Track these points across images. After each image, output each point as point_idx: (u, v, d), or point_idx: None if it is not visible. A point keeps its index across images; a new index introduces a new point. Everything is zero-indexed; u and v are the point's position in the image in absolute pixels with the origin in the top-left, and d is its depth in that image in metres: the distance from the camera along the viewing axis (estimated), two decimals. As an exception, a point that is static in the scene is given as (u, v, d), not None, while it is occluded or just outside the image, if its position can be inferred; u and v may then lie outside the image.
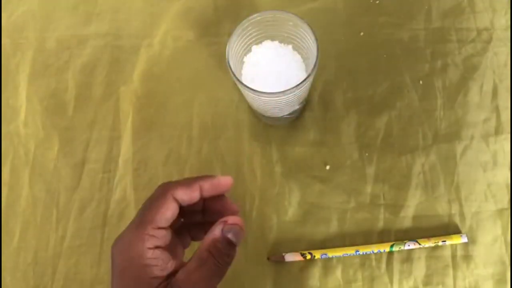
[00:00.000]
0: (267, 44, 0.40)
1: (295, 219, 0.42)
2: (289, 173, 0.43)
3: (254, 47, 0.40)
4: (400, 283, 0.40)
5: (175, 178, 0.44)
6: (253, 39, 0.39)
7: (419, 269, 0.40)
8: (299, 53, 0.40)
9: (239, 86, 0.36)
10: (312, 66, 0.35)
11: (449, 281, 0.40)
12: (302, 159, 0.43)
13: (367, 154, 0.43)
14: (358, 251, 0.40)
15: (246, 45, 0.39)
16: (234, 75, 0.35)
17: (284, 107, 0.39)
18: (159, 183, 0.43)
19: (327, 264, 0.41)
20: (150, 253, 0.29)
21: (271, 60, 0.39)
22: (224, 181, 0.32)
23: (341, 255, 0.40)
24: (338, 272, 0.41)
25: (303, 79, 0.35)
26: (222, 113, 0.45)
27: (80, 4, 0.49)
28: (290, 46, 0.40)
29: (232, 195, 0.42)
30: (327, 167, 0.43)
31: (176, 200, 0.30)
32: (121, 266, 0.29)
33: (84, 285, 0.42)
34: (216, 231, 0.30)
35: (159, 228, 0.29)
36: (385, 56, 0.46)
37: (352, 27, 0.47)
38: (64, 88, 0.47)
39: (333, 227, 0.42)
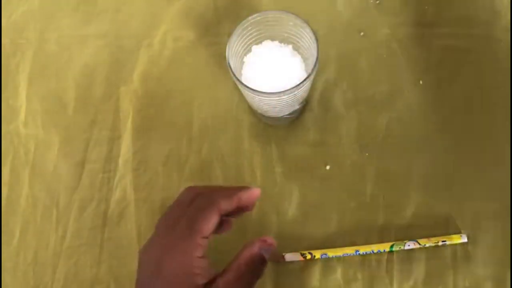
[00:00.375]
0: (267, 44, 0.40)
1: (295, 219, 0.42)
2: (289, 173, 0.43)
3: (254, 47, 0.39)
4: (400, 283, 0.40)
5: (175, 178, 0.44)
6: (253, 39, 0.39)
7: (419, 269, 0.40)
8: (299, 53, 0.40)
9: (239, 86, 0.36)
10: (312, 66, 0.35)
11: (449, 281, 0.40)
12: (302, 159, 0.43)
13: (367, 154, 0.43)
14: (358, 251, 0.40)
15: (246, 45, 0.39)
16: (234, 75, 0.35)
17: (284, 107, 0.39)
18: (159, 183, 0.44)
19: (327, 264, 0.41)
20: (198, 262, 0.30)
21: (271, 60, 0.39)
22: (257, 193, 0.33)
23: (341, 255, 0.40)
24: (338, 272, 0.41)
25: (303, 79, 0.35)
26: (222, 113, 0.45)
27: (80, 4, 0.49)
28: (290, 46, 0.40)
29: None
30: (327, 167, 0.43)
31: (219, 213, 0.32)
32: (171, 272, 0.30)
33: (84, 285, 0.42)
34: (255, 248, 0.31)
35: (205, 238, 0.31)
36: (385, 56, 0.46)
37: (352, 27, 0.47)
38: (64, 88, 0.47)
39: (333, 227, 0.42)
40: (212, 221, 0.31)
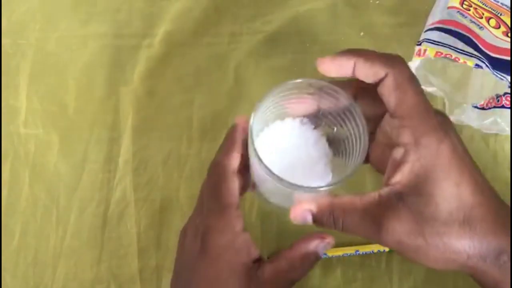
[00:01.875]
0: (289, 122, 0.32)
1: (295, 219, 0.42)
2: (289, 173, 0.43)
3: (276, 122, 0.32)
4: (400, 283, 0.40)
5: (175, 178, 0.44)
6: (280, 111, 0.31)
7: (419, 269, 0.40)
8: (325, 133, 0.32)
9: (260, 167, 0.27)
10: (356, 158, 0.29)
11: (449, 281, 0.40)
12: (302, 159, 0.43)
13: (367, 154, 0.43)
14: (358, 251, 0.40)
15: (272, 115, 0.32)
16: (262, 163, 0.27)
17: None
18: (159, 183, 0.43)
19: (327, 264, 0.41)
20: (241, 237, 0.29)
21: (293, 142, 0.32)
22: (242, 119, 0.31)
23: (341, 255, 0.40)
24: (338, 272, 0.41)
25: (326, 164, 0.30)
26: (222, 113, 0.45)
27: (80, 4, 0.49)
28: (304, 120, 0.32)
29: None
30: (327, 167, 0.43)
31: (233, 172, 0.30)
32: (213, 256, 0.29)
33: (84, 285, 0.42)
34: (312, 245, 0.30)
35: (238, 207, 0.30)
36: (385, 56, 0.46)
37: (352, 27, 0.47)
38: (64, 88, 0.47)
39: (333, 227, 0.42)
40: (231, 188, 0.30)
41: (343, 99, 0.29)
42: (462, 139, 0.42)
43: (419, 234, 0.26)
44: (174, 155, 0.44)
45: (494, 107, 0.41)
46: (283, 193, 0.30)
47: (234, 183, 0.30)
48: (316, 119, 0.32)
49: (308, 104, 0.31)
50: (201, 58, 0.47)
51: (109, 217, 0.43)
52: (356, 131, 0.29)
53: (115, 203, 0.43)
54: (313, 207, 0.28)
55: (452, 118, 0.37)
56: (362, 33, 0.46)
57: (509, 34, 0.45)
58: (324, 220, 0.28)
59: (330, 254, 0.40)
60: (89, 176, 0.44)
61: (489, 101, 0.41)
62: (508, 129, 0.42)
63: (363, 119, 0.28)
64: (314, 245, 0.30)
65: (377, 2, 0.48)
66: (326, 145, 0.32)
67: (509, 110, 0.41)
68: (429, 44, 0.38)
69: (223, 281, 0.29)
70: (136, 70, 0.47)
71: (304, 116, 0.32)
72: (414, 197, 0.26)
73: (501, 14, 0.41)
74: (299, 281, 0.30)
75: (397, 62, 0.28)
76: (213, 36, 0.47)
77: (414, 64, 0.39)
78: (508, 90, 0.41)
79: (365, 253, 0.40)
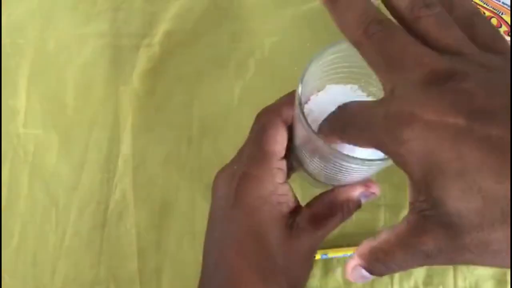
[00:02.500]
0: (339, 88, 0.29)
1: (295, 219, 0.42)
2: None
3: (328, 86, 0.29)
4: (400, 283, 0.40)
5: (175, 178, 0.43)
6: (331, 76, 0.29)
7: (419, 269, 0.40)
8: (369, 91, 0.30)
9: (316, 142, 0.25)
10: None
11: (449, 281, 0.40)
12: (302, 159, 0.43)
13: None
14: (358, 251, 0.40)
15: (320, 83, 0.29)
16: (311, 129, 0.24)
17: (357, 175, 0.29)
18: (159, 183, 0.43)
19: (327, 264, 0.41)
20: (281, 189, 0.28)
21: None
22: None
23: (341, 256, 0.40)
24: (338, 273, 0.41)
25: None
26: (222, 113, 0.45)
27: (80, 3, 0.49)
28: (354, 87, 0.30)
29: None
30: (328, 167, 0.43)
31: (284, 122, 0.28)
32: (251, 205, 0.27)
33: (84, 285, 0.42)
34: (355, 192, 0.29)
35: (282, 159, 0.28)
36: (385, 55, 0.46)
37: (352, 27, 0.47)
38: (63, 88, 0.47)
39: (333, 227, 0.42)
40: (278, 136, 0.28)
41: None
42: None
43: (458, 249, 0.21)
44: (174, 155, 0.44)
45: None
46: (331, 168, 0.27)
47: (283, 133, 0.28)
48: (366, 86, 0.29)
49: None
50: (201, 58, 0.47)
51: (109, 217, 0.43)
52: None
53: (114, 203, 0.43)
54: (359, 262, 0.25)
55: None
56: (362, 33, 0.46)
57: (510, 34, 0.45)
58: (376, 269, 0.24)
59: (330, 255, 0.40)
60: (88, 176, 0.44)
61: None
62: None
63: None
64: (358, 192, 0.29)
65: (377, 2, 0.47)
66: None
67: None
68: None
69: (263, 233, 0.27)
70: (136, 70, 0.47)
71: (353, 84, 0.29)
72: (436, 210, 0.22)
73: (502, 14, 0.41)
74: (336, 228, 0.29)
75: None
76: (213, 36, 0.47)
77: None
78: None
79: (366, 253, 0.40)
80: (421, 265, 0.23)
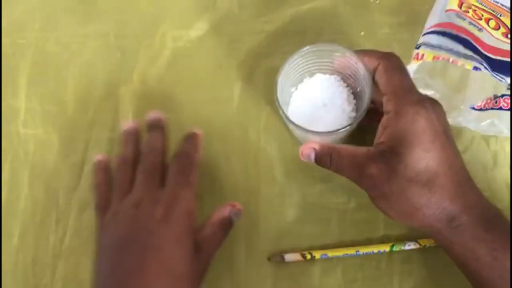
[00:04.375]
0: (319, 77, 0.41)
1: (295, 219, 0.42)
2: (289, 173, 0.43)
3: (306, 80, 0.41)
4: (400, 284, 0.40)
5: (175, 178, 0.43)
6: (305, 70, 0.40)
7: (420, 269, 0.40)
8: (347, 83, 0.41)
9: (287, 123, 0.37)
10: (364, 100, 0.37)
11: (450, 281, 0.40)
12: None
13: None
14: (358, 251, 0.40)
15: (297, 76, 0.40)
16: (284, 113, 0.37)
17: (332, 140, 0.40)
18: (159, 183, 0.43)
19: (327, 264, 0.41)
20: (195, 207, 0.37)
21: (320, 93, 0.40)
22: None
23: (341, 255, 0.40)
24: (338, 273, 0.41)
25: (351, 112, 0.39)
26: (222, 113, 0.45)
27: (80, 4, 0.49)
28: (339, 79, 0.41)
29: (233, 195, 0.42)
30: (328, 167, 0.43)
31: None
32: (178, 218, 0.36)
33: (84, 285, 0.42)
34: (225, 211, 0.38)
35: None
36: (385, 56, 0.46)
37: (352, 27, 0.47)
38: (63, 88, 0.47)
39: (333, 227, 0.42)
40: (197, 171, 0.39)
41: (361, 70, 0.37)
42: (463, 140, 0.43)
43: (388, 183, 0.33)
44: (174, 155, 0.44)
45: (492, 108, 0.41)
46: (308, 138, 0.39)
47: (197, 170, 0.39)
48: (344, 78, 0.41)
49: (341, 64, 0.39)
50: (201, 58, 0.47)
51: (109, 217, 0.43)
52: (362, 92, 0.38)
53: (115, 203, 0.43)
54: (317, 146, 0.36)
55: (450, 120, 0.37)
56: (362, 33, 0.46)
57: (509, 35, 0.46)
58: (323, 159, 0.36)
59: (330, 254, 0.40)
60: (88, 176, 0.44)
61: (486, 102, 0.41)
62: (507, 131, 0.42)
63: (371, 83, 0.36)
64: (227, 212, 0.38)
65: (377, 2, 0.48)
66: (354, 101, 0.40)
67: (506, 112, 0.41)
68: (427, 48, 0.39)
69: (183, 241, 0.35)
70: (136, 70, 0.47)
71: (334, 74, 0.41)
72: (391, 154, 0.33)
73: (500, 15, 0.41)
74: (222, 244, 0.38)
75: (389, 55, 0.36)
76: (213, 36, 0.47)
77: (412, 68, 0.39)
78: (506, 92, 0.41)
79: (366, 253, 0.40)
80: (352, 179, 0.36)
